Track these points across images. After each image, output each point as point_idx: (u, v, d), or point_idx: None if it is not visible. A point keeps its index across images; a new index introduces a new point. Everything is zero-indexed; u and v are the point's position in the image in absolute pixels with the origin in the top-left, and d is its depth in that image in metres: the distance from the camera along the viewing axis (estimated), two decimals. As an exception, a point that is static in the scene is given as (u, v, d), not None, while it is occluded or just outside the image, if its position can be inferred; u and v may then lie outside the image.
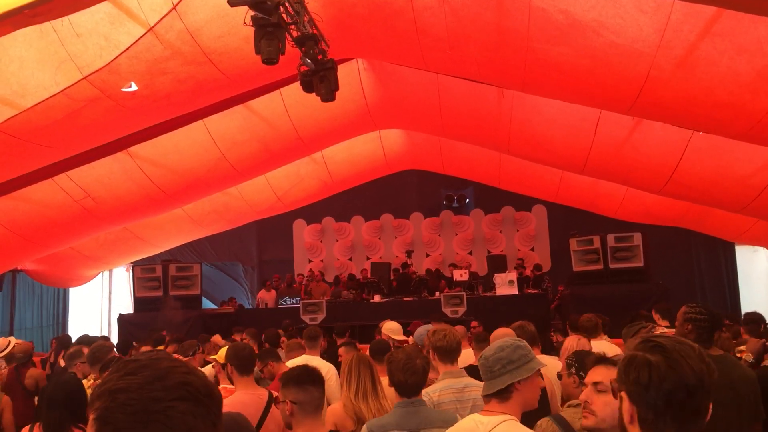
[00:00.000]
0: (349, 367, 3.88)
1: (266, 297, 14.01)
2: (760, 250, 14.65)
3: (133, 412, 1.03)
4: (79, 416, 3.45)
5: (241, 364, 3.85)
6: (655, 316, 6.60)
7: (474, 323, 8.82)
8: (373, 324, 9.33)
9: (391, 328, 6.38)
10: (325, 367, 5.18)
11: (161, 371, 1.07)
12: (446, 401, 3.56)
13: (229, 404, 3.43)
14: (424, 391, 3.43)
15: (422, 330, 7.45)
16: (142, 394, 1.04)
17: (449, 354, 3.76)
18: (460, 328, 7.05)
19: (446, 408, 3.48)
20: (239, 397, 3.77)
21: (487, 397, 2.68)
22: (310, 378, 2.93)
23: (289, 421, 2.89)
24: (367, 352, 4.58)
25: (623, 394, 1.54)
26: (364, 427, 3.26)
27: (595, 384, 2.38)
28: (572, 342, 4.37)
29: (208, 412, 1.08)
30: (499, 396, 2.61)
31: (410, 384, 3.19)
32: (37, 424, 3.61)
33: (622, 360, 1.58)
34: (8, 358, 7.16)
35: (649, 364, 1.48)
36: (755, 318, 6.45)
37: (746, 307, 13.37)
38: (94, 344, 5.63)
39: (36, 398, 6.53)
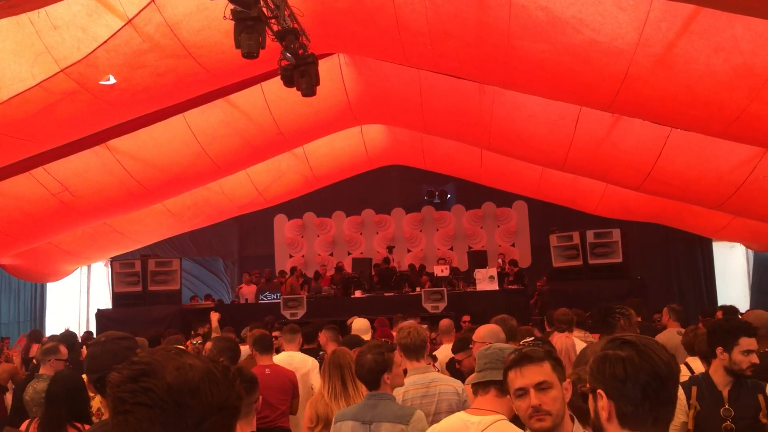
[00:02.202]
0: (324, 368, 4.03)
1: (246, 292, 13.97)
2: (737, 246, 14.83)
3: (110, 405, 1.08)
4: (77, 414, 3.28)
5: (262, 347, 5.12)
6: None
7: (466, 318, 8.84)
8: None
9: (358, 327, 6.42)
10: (308, 361, 5.57)
11: (140, 372, 1.07)
12: (411, 397, 3.62)
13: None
14: (395, 391, 3.46)
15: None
16: (115, 392, 1.07)
17: (414, 351, 3.81)
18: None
19: (412, 404, 3.51)
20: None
21: (487, 387, 2.58)
22: None
23: None
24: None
25: (600, 391, 1.56)
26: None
27: (538, 384, 2.21)
28: (561, 339, 4.41)
29: (178, 421, 1.06)
30: (502, 387, 2.41)
31: (363, 377, 3.29)
32: (35, 420, 3.51)
33: (594, 360, 1.60)
34: None
35: (622, 359, 1.53)
36: (730, 311, 6.57)
37: (723, 302, 13.52)
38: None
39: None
